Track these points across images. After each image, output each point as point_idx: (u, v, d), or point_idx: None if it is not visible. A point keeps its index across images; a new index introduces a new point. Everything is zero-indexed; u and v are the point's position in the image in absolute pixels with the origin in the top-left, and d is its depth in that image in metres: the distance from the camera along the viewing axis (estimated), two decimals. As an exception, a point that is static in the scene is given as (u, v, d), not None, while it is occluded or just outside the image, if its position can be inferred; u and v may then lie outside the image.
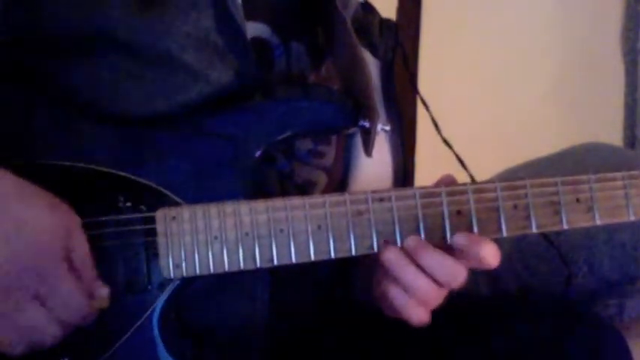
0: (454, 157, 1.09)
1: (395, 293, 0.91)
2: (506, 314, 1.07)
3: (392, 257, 0.89)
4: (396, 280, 0.90)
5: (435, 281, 0.89)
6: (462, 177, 0.96)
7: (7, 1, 0.90)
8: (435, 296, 0.90)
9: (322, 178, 1.07)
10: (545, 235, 1.09)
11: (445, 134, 1.10)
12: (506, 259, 1.29)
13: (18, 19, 0.90)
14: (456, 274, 0.88)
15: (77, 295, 0.82)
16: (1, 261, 0.78)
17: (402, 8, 2.23)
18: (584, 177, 0.93)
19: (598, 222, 0.92)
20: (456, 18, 2.35)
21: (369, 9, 1.16)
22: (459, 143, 1.11)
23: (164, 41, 0.91)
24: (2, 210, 0.78)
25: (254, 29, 1.01)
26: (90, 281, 0.83)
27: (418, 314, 0.91)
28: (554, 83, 2.43)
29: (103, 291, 0.84)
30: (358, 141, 1.06)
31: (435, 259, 0.88)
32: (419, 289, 0.89)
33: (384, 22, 1.15)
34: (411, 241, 0.89)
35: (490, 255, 0.89)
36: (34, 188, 0.81)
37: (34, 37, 0.91)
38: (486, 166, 1.16)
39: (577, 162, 1.36)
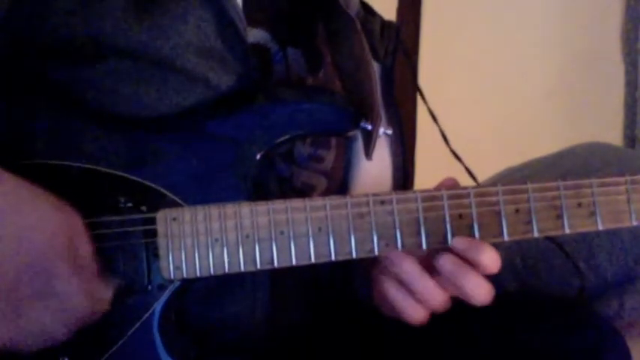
0: (454, 160, 1.09)
1: (395, 292, 0.91)
2: (506, 314, 1.07)
3: (409, 268, 0.90)
4: (399, 281, 0.90)
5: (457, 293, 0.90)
6: (462, 182, 0.96)
7: (8, 7, 0.89)
8: (439, 299, 0.90)
9: (321, 182, 1.07)
10: (558, 244, 1.09)
11: (446, 135, 1.10)
12: (506, 259, 1.29)
13: (18, 25, 0.90)
14: (484, 293, 0.90)
15: (82, 295, 0.82)
16: (6, 262, 0.78)
17: (401, 8, 2.23)
18: (586, 181, 0.92)
19: (600, 227, 0.92)
20: (455, 18, 2.35)
21: (369, 11, 1.16)
22: (458, 143, 1.11)
23: (163, 46, 0.91)
24: (5, 211, 0.78)
25: (254, 35, 1.01)
26: (93, 280, 0.83)
27: (417, 314, 0.91)
28: (554, 83, 2.43)
29: (107, 290, 0.85)
30: (358, 144, 1.06)
31: (468, 278, 0.89)
32: (427, 296, 0.90)
33: (386, 24, 1.14)
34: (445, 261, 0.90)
35: (490, 261, 0.89)
36: (36, 189, 0.81)
37: (34, 42, 0.91)
38: (486, 165, 1.16)
39: (577, 162, 1.35)
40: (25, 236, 0.79)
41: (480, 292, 0.89)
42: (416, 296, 0.91)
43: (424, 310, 0.91)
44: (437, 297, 0.90)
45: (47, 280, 0.80)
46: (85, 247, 0.83)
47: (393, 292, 0.92)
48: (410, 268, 0.90)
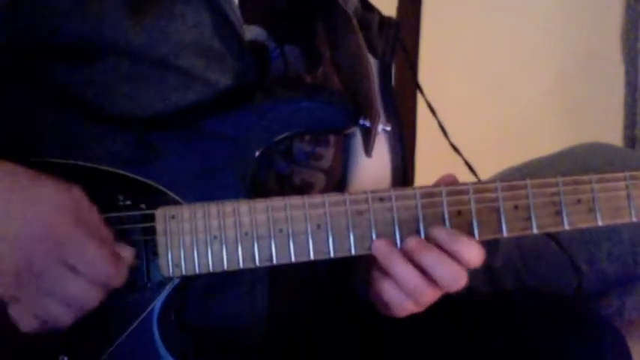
0: (454, 157, 1.09)
1: (385, 285, 0.91)
2: (505, 314, 1.07)
3: (382, 248, 0.89)
4: (386, 273, 0.90)
5: (431, 280, 0.88)
6: (462, 178, 0.96)
7: (7, 8, 0.90)
8: (427, 293, 0.90)
9: (320, 180, 1.07)
10: (557, 241, 1.09)
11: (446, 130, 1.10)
12: (506, 258, 1.29)
13: (18, 25, 0.91)
14: (456, 276, 0.88)
15: (104, 256, 0.82)
16: (19, 239, 0.79)
17: (402, 7, 2.23)
18: (585, 177, 0.92)
19: (600, 223, 0.92)
20: (456, 17, 2.35)
21: (368, 7, 1.16)
22: (458, 143, 1.11)
23: (160, 45, 0.91)
24: (9, 191, 0.79)
25: (251, 33, 1.01)
26: (109, 242, 0.84)
27: (406, 309, 0.91)
28: (554, 83, 2.43)
29: (127, 250, 0.85)
30: (357, 141, 1.06)
31: (433, 258, 0.88)
32: (409, 282, 0.89)
33: (384, 21, 1.14)
34: (410, 242, 0.89)
35: (471, 254, 0.88)
36: (34, 171, 0.82)
37: (34, 42, 0.91)
38: (486, 165, 1.16)
39: (577, 162, 1.36)
40: (32, 212, 0.80)
41: (450, 274, 0.88)
42: (403, 288, 0.90)
43: (413, 306, 0.91)
44: (414, 282, 0.89)
45: (65, 247, 0.80)
46: (93, 215, 0.84)
47: (384, 287, 0.91)
48: (388, 252, 0.89)
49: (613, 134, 2.41)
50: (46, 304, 0.81)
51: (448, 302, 0.94)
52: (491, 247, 1.05)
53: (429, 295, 0.90)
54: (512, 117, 2.37)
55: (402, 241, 0.89)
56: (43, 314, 0.81)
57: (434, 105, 1.11)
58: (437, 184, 0.92)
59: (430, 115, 1.11)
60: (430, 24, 2.30)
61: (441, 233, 0.89)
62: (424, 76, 1.16)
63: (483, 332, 1.03)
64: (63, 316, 0.82)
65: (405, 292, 0.89)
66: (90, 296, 0.82)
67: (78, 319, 0.83)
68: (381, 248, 0.89)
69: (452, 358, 1.03)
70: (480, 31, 2.37)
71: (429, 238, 0.89)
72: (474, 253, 0.88)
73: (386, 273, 0.90)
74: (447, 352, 1.04)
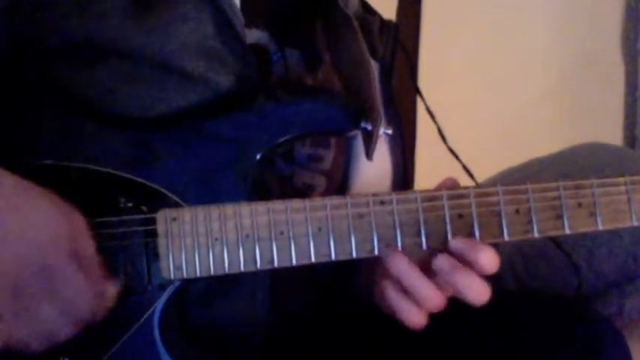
0: (453, 159, 1.09)
1: (394, 295, 0.91)
2: (505, 314, 1.07)
3: (401, 265, 0.89)
4: (398, 283, 0.90)
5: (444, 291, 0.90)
6: (461, 181, 0.96)
7: (6, 8, 0.89)
8: (437, 300, 0.90)
9: (321, 182, 1.07)
10: (557, 243, 1.09)
11: (445, 134, 1.10)
12: (506, 259, 1.29)
13: (18, 26, 0.91)
14: (481, 293, 0.89)
15: (86, 293, 0.82)
16: (10, 262, 0.78)
17: (401, 8, 2.22)
18: (586, 182, 0.92)
19: (600, 227, 0.92)
20: (455, 18, 2.35)
21: (369, 9, 1.16)
22: (458, 143, 1.11)
23: (162, 47, 0.91)
24: (6, 211, 0.78)
25: (253, 36, 1.01)
26: (98, 279, 0.83)
27: (415, 317, 0.91)
28: (554, 83, 2.43)
29: (112, 287, 0.85)
30: (358, 144, 1.06)
31: (465, 278, 0.89)
32: (424, 297, 0.90)
33: (385, 24, 1.14)
34: (440, 261, 0.89)
35: (488, 261, 0.88)
36: (37, 188, 0.81)
37: (34, 43, 0.91)
38: (486, 165, 1.16)
39: (577, 162, 1.35)
40: (28, 236, 0.79)
41: (478, 292, 0.89)
42: (413, 297, 0.91)
43: (422, 313, 0.91)
44: (434, 298, 0.90)
45: (52, 279, 0.80)
46: (88, 247, 0.83)
47: (392, 295, 0.92)
48: (407, 269, 0.90)
49: (613, 134, 2.42)
50: (17, 327, 0.80)
51: (448, 302, 0.94)
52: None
53: (438, 300, 0.90)
54: (512, 117, 2.37)
55: (402, 244, 0.90)
56: (13, 335, 0.81)
57: (434, 105, 1.11)
58: (438, 188, 0.92)
59: (429, 117, 1.11)
60: (430, 25, 2.30)
61: (459, 243, 0.89)
62: (424, 77, 1.16)
63: (483, 332, 1.03)
64: (31, 341, 0.81)
65: (422, 306, 0.90)
66: (61, 328, 0.82)
67: (47, 347, 0.82)
68: (400, 265, 0.90)
69: (452, 358, 1.03)
70: (479, 31, 2.37)
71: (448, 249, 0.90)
72: (491, 259, 0.89)
73: (401, 287, 0.91)
74: (448, 353, 1.04)
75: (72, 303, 0.82)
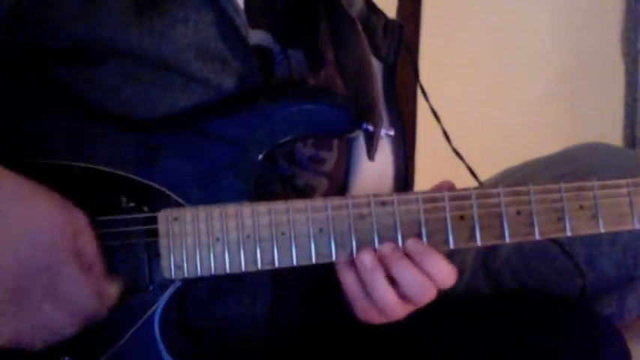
0: (454, 160, 1.09)
1: (356, 294, 0.92)
2: (505, 314, 1.07)
3: (367, 261, 0.89)
4: (361, 283, 0.91)
5: (402, 295, 0.89)
6: (462, 181, 0.96)
7: (11, 9, 0.90)
8: (398, 309, 0.90)
9: (323, 183, 1.07)
10: (558, 244, 1.09)
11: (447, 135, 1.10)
12: (506, 258, 1.29)
13: (20, 27, 0.91)
14: (424, 291, 0.89)
15: (88, 293, 0.83)
16: (12, 261, 0.78)
17: (402, 8, 2.22)
18: (587, 184, 0.92)
19: (602, 229, 0.92)
20: (456, 18, 2.35)
21: (374, 9, 1.16)
22: (459, 144, 1.11)
23: (164, 48, 0.91)
24: (10, 210, 0.79)
25: (256, 37, 1.01)
26: (100, 279, 0.84)
27: (373, 320, 0.92)
28: (554, 83, 2.43)
29: (114, 287, 0.85)
30: (359, 145, 1.06)
31: (407, 273, 0.88)
32: (380, 299, 0.90)
33: (389, 23, 1.14)
34: (385, 248, 0.89)
35: (442, 272, 0.89)
36: (39, 188, 0.81)
37: (36, 44, 0.91)
38: (486, 165, 1.16)
39: (577, 162, 1.35)
40: (31, 235, 0.79)
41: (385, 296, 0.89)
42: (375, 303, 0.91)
43: (380, 318, 0.92)
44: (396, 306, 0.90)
45: (54, 279, 0.80)
46: (90, 246, 0.83)
47: (355, 292, 0.92)
48: (367, 260, 0.90)
49: (613, 134, 2.42)
50: (19, 325, 0.81)
51: (448, 302, 0.94)
52: (490, 247, 1.06)
53: (398, 309, 0.90)
54: (512, 117, 2.37)
55: (403, 245, 0.90)
56: (15, 334, 0.81)
57: (434, 105, 1.11)
58: (434, 190, 0.92)
59: (431, 117, 1.11)
60: (430, 26, 2.30)
61: (416, 245, 0.89)
62: (423, 77, 1.16)
63: (483, 332, 1.03)
64: (34, 339, 0.82)
65: (373, 304, 0.91)
66: (63, 328, 0.82)
67: (50, 344, 0.82)
68: (364, 261, 0.89)
69: (452, 358, 1.03)
70: (479, 31, 2.37)
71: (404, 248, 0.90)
72: (444, 273, 0.88)
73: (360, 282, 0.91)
74: (448, 353, 1.04)
75: (74, 302, 0.82)
